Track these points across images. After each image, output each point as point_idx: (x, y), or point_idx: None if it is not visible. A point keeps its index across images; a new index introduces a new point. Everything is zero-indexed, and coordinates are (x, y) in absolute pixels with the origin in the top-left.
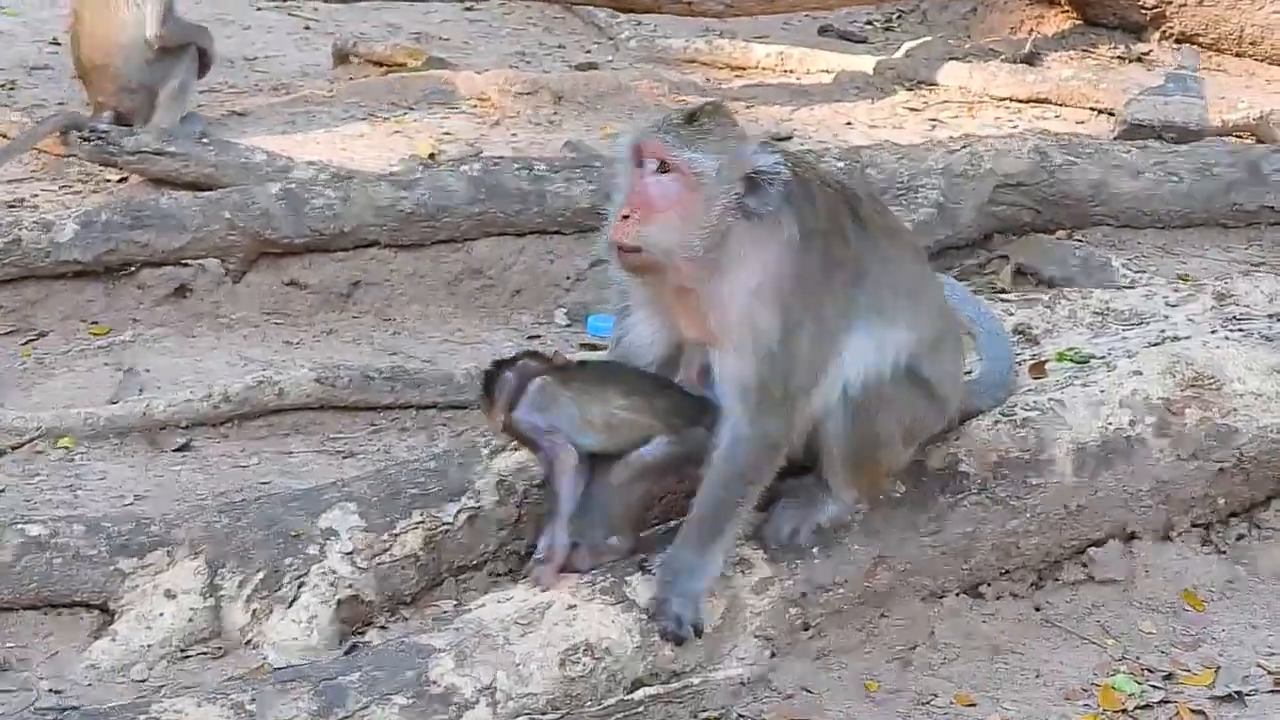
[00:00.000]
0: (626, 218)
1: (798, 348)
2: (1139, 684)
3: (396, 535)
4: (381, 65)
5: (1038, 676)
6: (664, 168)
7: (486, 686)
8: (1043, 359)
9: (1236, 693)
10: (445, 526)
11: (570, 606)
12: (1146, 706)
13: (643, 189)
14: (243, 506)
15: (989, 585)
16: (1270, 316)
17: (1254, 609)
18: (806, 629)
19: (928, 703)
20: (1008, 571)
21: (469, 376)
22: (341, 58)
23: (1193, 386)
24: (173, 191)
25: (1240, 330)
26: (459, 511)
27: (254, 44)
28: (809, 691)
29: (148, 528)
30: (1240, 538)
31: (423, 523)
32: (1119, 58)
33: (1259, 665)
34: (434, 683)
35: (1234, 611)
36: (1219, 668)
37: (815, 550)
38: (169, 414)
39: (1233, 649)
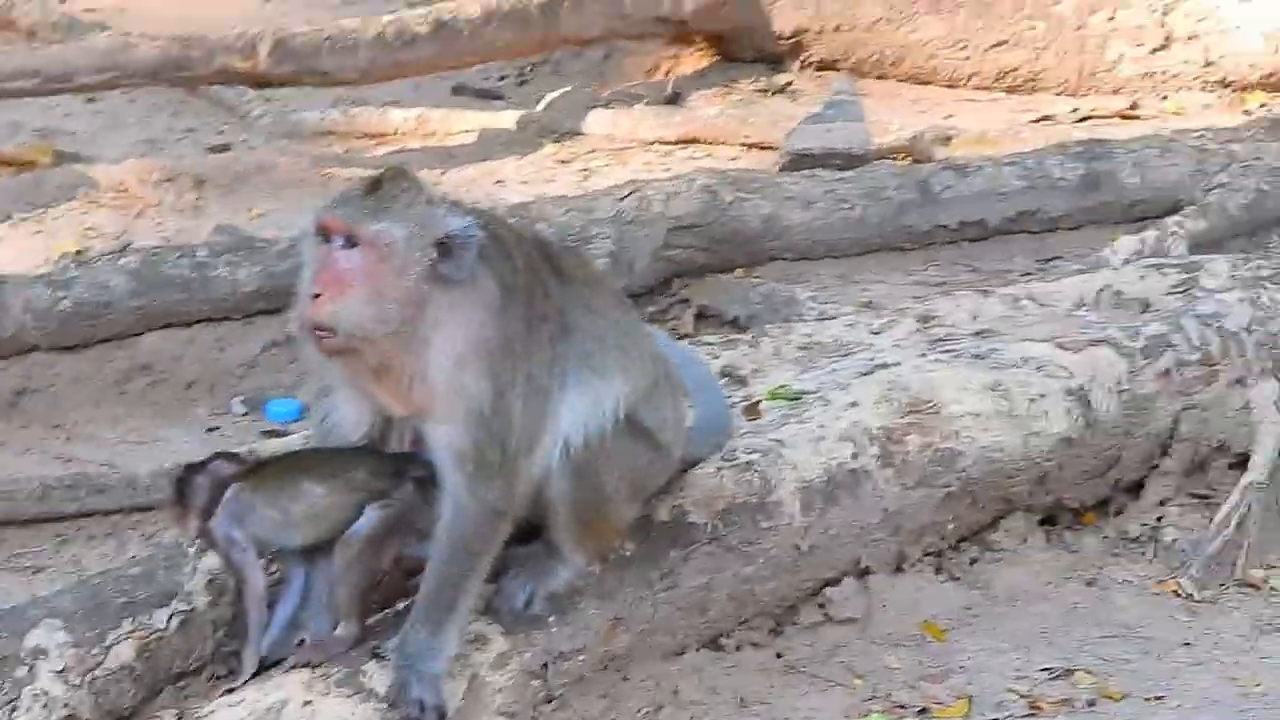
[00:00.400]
0: (317, 296)
1: (511, 409)
2: None
3: (108, 647)
4: (10, 165)
5: None
6: (350, 242)
7: None
8: (755, 399)
9: None
10: (158, 633)
11: (307, 703)
12: None
13: (331, 266)
14: None
15: (728, 636)
16: (976, 335)
17: (996, 633)
18: (550, 700)
19: None
20: (746, 620)
21: (154, 477)
22: None
23: (911, 413)
24: None
25: (949, 351)
26: (170, 616)
27: None
28: None
29: None
30: (973, 562)
31: (134, 631)
32: (761, 90)
33: (1010, 690)
34: None
35: (976, 637)
36: (971, 697)
37: (551, 619)
38: None
39: (981, 676)
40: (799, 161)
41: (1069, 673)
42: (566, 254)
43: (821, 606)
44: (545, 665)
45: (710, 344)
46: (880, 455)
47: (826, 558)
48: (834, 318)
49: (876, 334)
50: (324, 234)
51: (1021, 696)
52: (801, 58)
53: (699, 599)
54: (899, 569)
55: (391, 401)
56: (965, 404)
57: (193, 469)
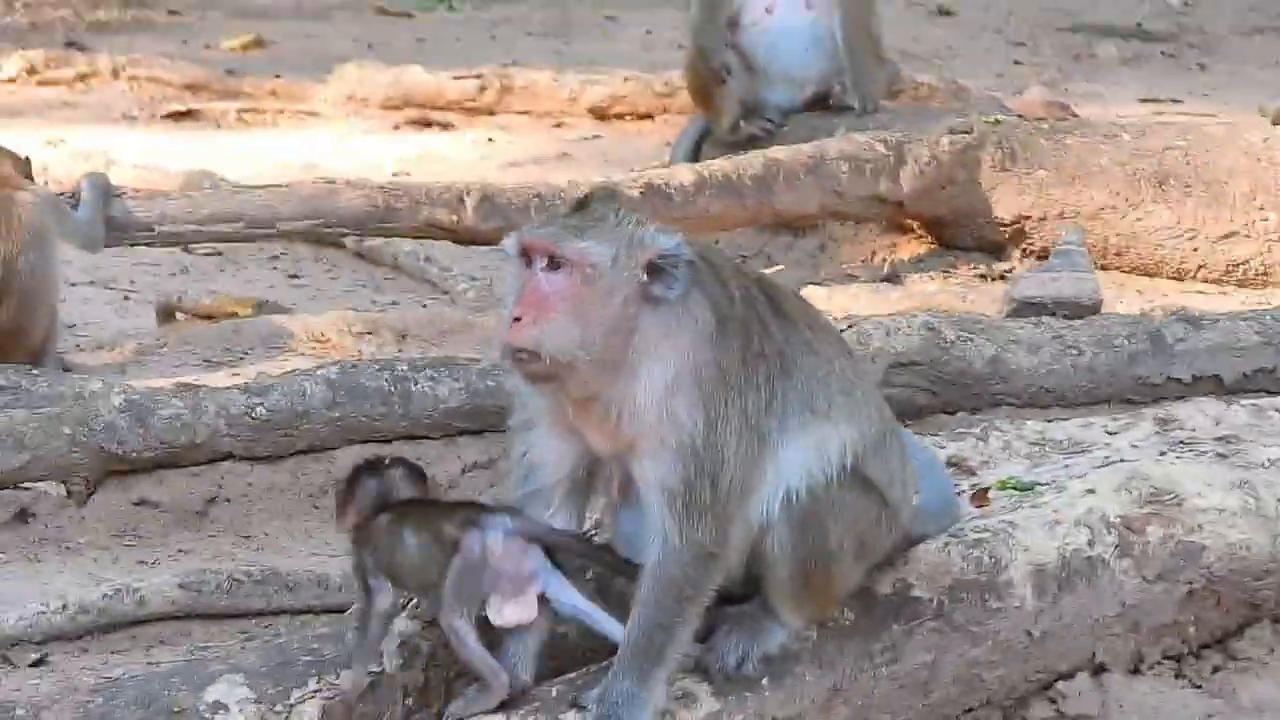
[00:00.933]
0: (518, 320)
1: (724, 446)
2: None
3: (292, 705)
4: (210, 318)
5: None
6: (554, 263)
7: None
8: (984, 487)
9: None
10: (345, 694)
11: None
12: None
13: (533, 288)
14: (118, 684)
15: None
16: (1218, 439)
17: None
18: None
19: None
20: (972, 709)
21: (345, 579)
22: (167, 314)
23: (1151, 503)
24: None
25: (1191, 450)
26: None
27: (70, 314)
28: None
29: (12, 711)
30: (1216, 670)
31: (319, 691)
32: (981, 276)
33: None
34: None
35: None
36: None
37: (764, 681)
38: (20, 628)
39: None
40: (1024, 309)
41: None
42: (788, 294)
43: (1053, 701)
44: None
45: (936, 435)
46: (1118, 544)
47: (1059, 648)
48: (1066, 418)
49: (1113, 434)
50: (527, 255)
51: None
52: (1023, 245)
53: (922, 678)
54: (1136, 670)
55: (596, 436)
56: (1209, 498)
57: (372, 468)
